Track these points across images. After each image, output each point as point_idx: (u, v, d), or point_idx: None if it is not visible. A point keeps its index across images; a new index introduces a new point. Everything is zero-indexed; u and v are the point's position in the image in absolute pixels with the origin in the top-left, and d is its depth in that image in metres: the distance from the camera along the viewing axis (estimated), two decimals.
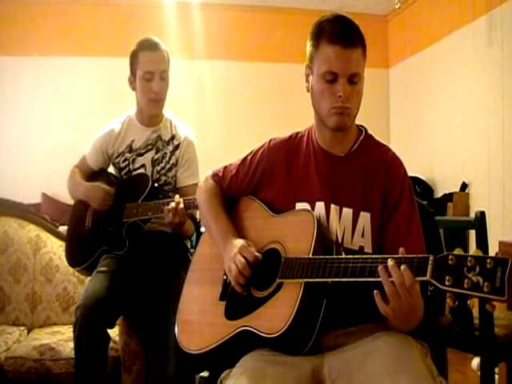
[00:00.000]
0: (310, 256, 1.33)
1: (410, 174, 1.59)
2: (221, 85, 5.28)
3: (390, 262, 1.17)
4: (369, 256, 1.27)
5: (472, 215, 2.20)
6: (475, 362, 2.89)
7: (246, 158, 1.63)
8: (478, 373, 2.32)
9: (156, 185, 2.21)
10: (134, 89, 2.26)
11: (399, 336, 1.25)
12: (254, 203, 1.58)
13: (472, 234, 2.11)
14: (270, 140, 1.62)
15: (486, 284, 1.02)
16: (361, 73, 1.42)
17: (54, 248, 2.78)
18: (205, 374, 1.87)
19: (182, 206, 2.01)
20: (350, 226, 1.42)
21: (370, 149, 1.51)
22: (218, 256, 1.53)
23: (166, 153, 2.27)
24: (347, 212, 1.43)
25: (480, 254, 1.06)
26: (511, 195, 3.76)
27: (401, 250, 1.19)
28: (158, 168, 2.26)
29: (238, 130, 5.21)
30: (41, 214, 3.04)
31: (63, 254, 2.53)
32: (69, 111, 4.98)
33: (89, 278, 2.21)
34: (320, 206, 1.45)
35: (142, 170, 2.26)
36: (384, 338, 1.26)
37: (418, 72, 5.03)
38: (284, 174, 1.54)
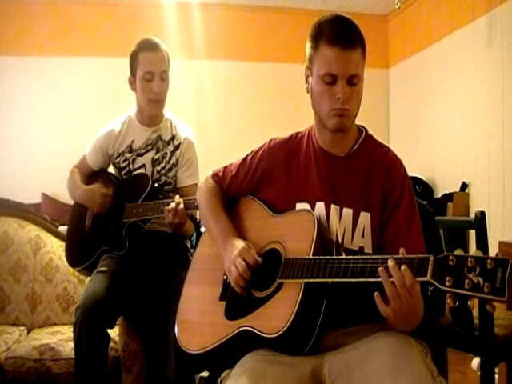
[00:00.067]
0: (311, 256, 1.33)
1: (410, 174, 1.59)
2: (221, 85, 5.28)
3: (391, 263, 1.17)
4: (369, 256, 1.27)
5: (472, 215, 2.20)
6: (475, 362, 2.89)
7: (246, 158, 1.63)
8: (478, 373, 2.32)
9: (156, 185, 2.21)
10: (134, 89, 2.26)
11: (399, 336, 1.25)
12: (254, 203, 1.58)
13: (472, 234, 2.11)
14: (271, 140, 1.62)
15: (486, 285, 1.02)
16: (360, 74, 1.42)
17: (54, 248, 2.78)
18: (205, 374, 1.87)
19: (181, 206, 2.01)
20: (350, 227, 1.43)
21: (370, 149, 1.51)
22: (218, 256, 1.53)
23: (166, 153, 2.27)
24: (347, 212, 1.44)
25: (480, 254, 1.06)
26: (511, 195, 3.76)
27: (401, 250, 1.19)
28: (158, 168, 2.26)
29: (237, 129, 5.21)
30: (41, 214, 3.04)
31: (63, 254, 2.53)
32: (69, 111, 4.98)
33: (89, 278, 2.21)
34: (320, 206, 1.45)
35: (142, 170, 2.26)
36: (384, 338, 1.26)
37: (418, 72, 5.03)
38: (284, 174, 1.54)
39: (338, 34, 1.39)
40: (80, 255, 2.30)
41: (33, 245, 2.76)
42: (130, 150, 2.29)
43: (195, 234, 2.31)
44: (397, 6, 4.73)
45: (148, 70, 2.17)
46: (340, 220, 1.43)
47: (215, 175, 1.69)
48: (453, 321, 1.94)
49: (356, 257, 1.26)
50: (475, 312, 2.05)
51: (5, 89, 4.85)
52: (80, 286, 2.68)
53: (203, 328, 1.48)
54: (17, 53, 4.84)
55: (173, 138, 2.29)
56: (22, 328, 2.56)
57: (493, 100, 3.94)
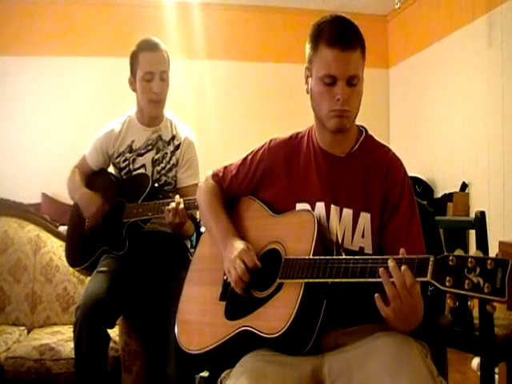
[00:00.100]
0: (311, 256, 1.33)
1: (410, 174, 1.59)
2: (221, 85, 5.28)
3: (391, 263, 1.17)
4: (369, 257, 1.27)
5: (472, 215, 2.20)
6: (475, 362, 2.89)
7: (246, 158, 1.63)
8: (478, 373, 2.32)
9: (156, 185, 2.21)
10: (134, 90, 2.26)
11: (399, 336, 1.25)
12: (255, 203, 1.58)
13: (472, 234, 2.11)
14: (271, 140, 1.62)
15: (486, 285, 1.02)
16: (360, 74, 1.42)
17: (54, 248, 2.78)
18: (205, 374, 1.87)
19: (182, 206, 2.01)
20: (351, 227, 1.43)
21: (371, 149, 1.51)
22: (217, 256, 1.53)
23: (166, 153, 2.27)
24: (347, 213, 1.44)
25: (480, 254, 1.06)
26: (511, 195, 3.76)
27: (401, 250, 1.19)
28: (159, 168, 2.26)
29: (238, 129, 5.21)
30: (41, 214, 3.04)
31: (63, 254, 2.53)
32: (69, 111, 4.98)
33: (89, 278, 2.21)
34: (320, 206, 1.45)
35: (142, 170, 2.26)
36: (384, 338, 1.26)
37: (418, 72, 5.03)
38: (284, 174, 1.54)
39: (338, 35, 1.39)
40: (80, 255, 2.30)
41: (33, 245, 2.76)
42: (130, 149, 2.29)
43: (195, 234, 2.31)
44: (397, 6, 4.73)
45: (148, 71, 2.17)
46: (340, 220, 1.43)
47: (215, 175, 1.69)
48: (453, 321, 1.94)
49: (356, 257, 1.26)
50: (475, 312, 2.05)
51: (5, 89, 4.85)
52: (80, 285, 2.68)
53: (203, 328, 1.48)
54: (17, 53, 4.85)
55: (173, 138, 2.29)
56: (22, 328, 2.56)
57: (493, 100, 3.94)
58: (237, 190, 1.64)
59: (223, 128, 5.21)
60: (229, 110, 5.29)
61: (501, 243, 2.97)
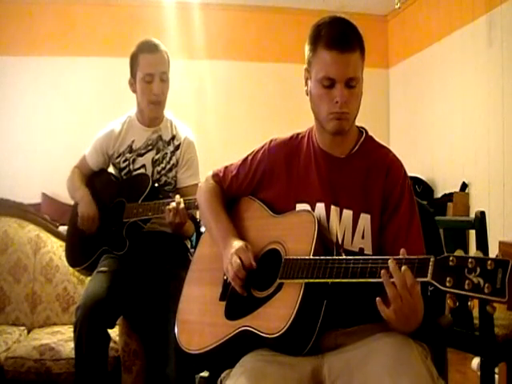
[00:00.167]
0: (311, 257, 1.33)
1: (410, 174, 1.59)
2: (221, 85, 5.28)
3: (391, 264, 1.17)
4: (369, 257, 1.27)
5: (472, 215, 2.20)
6: (475, 362, 2.89)
7: (246, 159, 1.63)
8: (478, 373, 2.32)
9: (156, 185, 2.21)
10: (134, 91, 2.25)
11: (399, 337, 1.25)
12: (255, 203, 1.59)
13: (472, 234, 2.11)
14: (271, 140, 1.62)
15: (486, 285, 1.02)
16: (359, 76, 1.42)
17: (54, 248, 2.78)
18: (205, 374, 1.87)
19: (182, 205, 2.01)
20: (350, 228, 1.43)
21: (371, 150, 1.51)
22: (217, 256, 1.53)
23: (166, 153, 2.27)
24: (347, 213, 1.44)
25: (481, 255, 1.06)
26: (511, 195, 3.76)
27: (402, 250, 1.19)
28: (159, 168, 2.26)
29: (238, 130, 5.21)
30: (41, 214, 3.03)
31: (63, 254, 2.53)
32: (69, 111, 4.98)
33: (89, 278, 2.21)
34: (320, 207, 1.45)
35: (142, 171, 2.26)
36: (384, 339, 1.26)
37: (418, 72, 5.03)
38: (284, 174, 1.54)
39: (336, 37, 1.39)
40: (80, 255, 2.30)
41: (33, 245, 2.76)
42: (130, 150, 2.29)
43: (195, 234, 2.31)
44: (397, 6, 4.72)
45: (148, 72, 2.17)
46: (340, 221, 1.43)
47: (216, 175, 1.69)
48: (453, 321, 1.94)
49: (356, 257, 1.26)
50: (475, 312, 2.05)
51: (5, 89, 4.85)
52: (80, 286, 2.68)
53: (203, 328, 1.48)
54: (17, 53, 4.84)
55: (173, 138, 2.29)
56: (22, 328, 2.56)
57: (493, 100, 3.94)
58: (237, 190, 1.64)
59: (223, 128, 5.21)
60: (229, 110, 5.29)
61: (501, 243, 2.97)
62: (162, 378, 1.96)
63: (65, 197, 2.67)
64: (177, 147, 2.28)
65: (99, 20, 5.05)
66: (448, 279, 1.08)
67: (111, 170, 2.38)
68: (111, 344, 2.09)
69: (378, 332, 1.30)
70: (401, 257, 1.18)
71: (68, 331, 2.39)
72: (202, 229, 1.90)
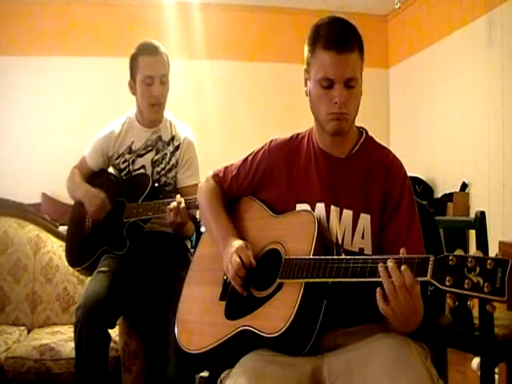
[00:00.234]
0: (311, 257, 1.33)
1: (410, 174, 1.59)
2: (221, 85, 5.28)
3: (390, 263, 1.17)
4: (369, 257, 1.27)
5: (472, 215, 2.20)
6: (475, 362, 2.89)
7: (246, 159, 1.63)
8: (478, 373, 2.32)
9: (156, 185, 2.21)
10: (134, 93, 2.25)
11: (399, 338, 1.25)
12: (255, 204, 1.59)
13: (472, 234, 2.11)
14: (271, 141, 1.62)
15: (486, 285, 1.02)
16: (358, 76, 1.42)
17: (54, 248, 2.78)
18: (205, 374, 1.87)
19: (183, 205, 2.01)
20: (350, 228, 1.43)
21: (371, 151, 1.51)
22: (218, 256, 1.53)
23: (166, 154, 2.27)
24: (347, 214, 1.44)
25: (480, 254, 1.06)
26: (511, 195, 3.76)
27: (402, 250, 1.19)
28: (158, 169, 2.26)
29: (238, 129, 5.21)
30: (41, 214, 3.04)
31: (63, 254, 2.53)
32: (69, 111, 4.98)
33: (89, 278, 2.21)
34: (320, 207, 1.45)
35: (141, 171, 2.26)
36: (384, 339, 1.26)
37: (418, 72, 5.03)
38: (284, 174, 1.54)
39: (334, 37, 1.39)
40: (80, 255, 2.30)
41: (33, 245, 2.76)
42: (130, 151, 2.29)
43: (195, 234, 2.31)
44: (397, 6, 4.73)
45: (148, 74, 2.17)
46: (340, 221, 1.43)
47: (216, 175, 1.70)
48: (453, 321, 1.94)
49: (356, 257, 1.26)
50: (475, 312, 2.05)
51: (5, 89, 4.85)
52: (80, 286, 2.68)
53: (203, 328, 1.48)
54: (17, 53, 4.84)
55: (172, 138, 2.29)
56: (22, 328, 2.56)
57: (493, 100, 3.94)
58: (237, 190, 1.64)
59: (223, 128, 5.21)
60: (229, 110, 5.29)
61: (501, 243, 2.97)
62: (162, 378, 1.96)
63: (65, 197, 2.67)
64: (176, 147, 2.28)
65: (99, 20, 5.05)
66: (448, 278, 1.08)
67: (111, 170, 2.38)
68: (111, 344, 2.09)
69: (378, 332, 1.30)
70: (400, 256, 1.18)
71: (68, 331, 2.40)
72: (202, 229, 1.90)
